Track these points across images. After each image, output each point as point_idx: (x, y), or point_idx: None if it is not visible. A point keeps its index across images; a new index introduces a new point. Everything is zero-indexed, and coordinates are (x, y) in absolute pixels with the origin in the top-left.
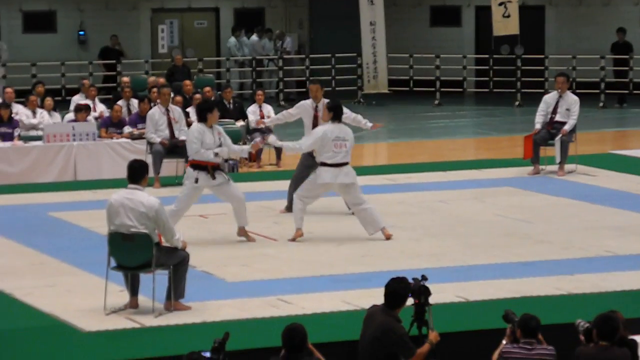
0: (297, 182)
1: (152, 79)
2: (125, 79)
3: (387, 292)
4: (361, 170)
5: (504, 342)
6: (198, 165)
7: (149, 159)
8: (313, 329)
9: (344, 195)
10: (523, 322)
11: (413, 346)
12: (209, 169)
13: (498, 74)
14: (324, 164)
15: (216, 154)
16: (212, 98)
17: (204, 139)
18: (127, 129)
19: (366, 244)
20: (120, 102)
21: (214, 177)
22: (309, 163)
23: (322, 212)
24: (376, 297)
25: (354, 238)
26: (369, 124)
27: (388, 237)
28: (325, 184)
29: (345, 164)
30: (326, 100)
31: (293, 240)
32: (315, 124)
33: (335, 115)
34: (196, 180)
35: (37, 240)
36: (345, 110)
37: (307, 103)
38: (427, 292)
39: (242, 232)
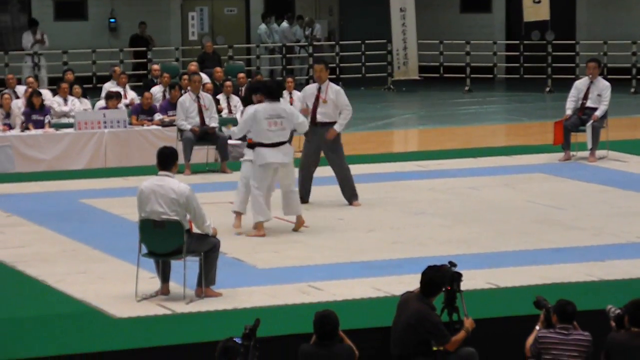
0: (302, 172)
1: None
2: (156, 66)
3: (423, 279)
4: (391, 157)
5: (537, 327)
6: None
7: (179, 146)
8: (343, 316)
9: (280, 175)
10: (560, 307)
11: (448, 334)
12: None
13: (528, 60)
14: (260, 145)
15: None
16: (244, 85)
17: None
18: (157, 116)
19: (396, 230)
20: (156, 89)
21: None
22: (307, 150)
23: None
24: (407, 283)
25: (384, 224)
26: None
27: (301, 225)
28: (266, 164)
29: (283, 142)
30: (330, 83)
31: (253, 235)
32: (316, 106)
33: (267, 94)
34: None
35: (68, 227)
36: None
37: (311, 87)
38: (459, 278)
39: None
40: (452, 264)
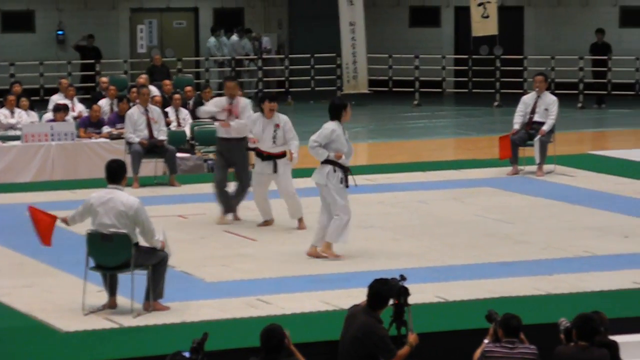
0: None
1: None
2: (104, 79)
3: (370, 293)
4: None
5: (485, 341)
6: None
7: (127, 159)
8: (292, 329)
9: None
10: (504, 321)
11: (394, 348)
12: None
13: (477, 74)
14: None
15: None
16: (192, 98)
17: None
18: (105, 129)
19: (345, 244)
20: (103, 101)
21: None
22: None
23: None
24: (355, 297)
25: None
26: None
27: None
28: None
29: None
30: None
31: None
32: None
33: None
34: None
35: (15, 241)
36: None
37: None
38: (406, 293)
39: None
40: (403, 278)
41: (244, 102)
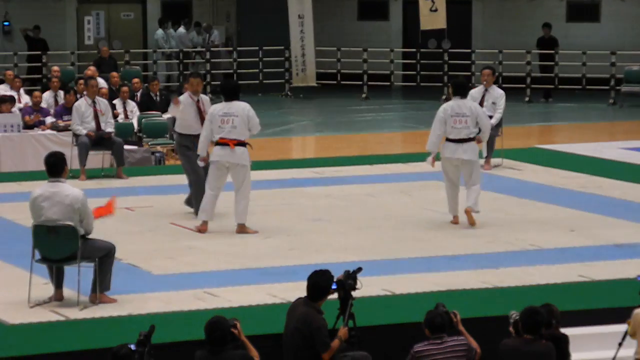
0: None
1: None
2: (56, 68)
3: (309, 284)
4: (289, 164)
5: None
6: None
7: (74, 151)
8: (240, 322)
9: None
10: (428, 320)
11: (328, 341)
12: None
13: (425, 68)
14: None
15: None
16: (140, 90)
17: None
18: (49, 119)
19: (293, 237)
20: (47, 94)
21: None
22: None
23: (250, 205)
24: (302, 290)
25: (280, 231)
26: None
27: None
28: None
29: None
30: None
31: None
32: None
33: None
34: None
35: None
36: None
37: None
38: (348, 286)
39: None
40: (359, 269)
41: (207, 99)
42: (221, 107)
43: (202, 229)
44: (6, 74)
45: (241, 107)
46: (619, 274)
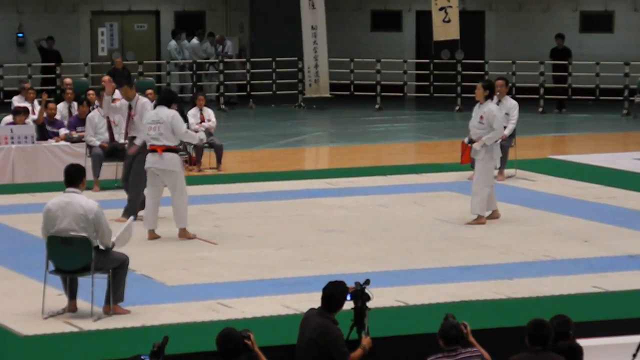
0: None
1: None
2: (68, 80)
3: (324, 295)
4: (302, 174)
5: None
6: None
7: (88, 162)
8: (253, 333)
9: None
10: (442, 332)
11: (347, 350)
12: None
13: (438, 78)
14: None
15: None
16: (154, 101)
17: None
18: (63, 131)
19: (306, 248)
20: (61, 105)
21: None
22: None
23: (262, 215)
24: (315, 301)
25: (294, 242)
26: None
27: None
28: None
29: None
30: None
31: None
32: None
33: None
34: None
35: None
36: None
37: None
38: (365, 297)
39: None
40: (367, 282)
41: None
42: (151, 114)
43: (150, 237)
44: (25, 86)
45: (166, 114)
46: (633, 285)
